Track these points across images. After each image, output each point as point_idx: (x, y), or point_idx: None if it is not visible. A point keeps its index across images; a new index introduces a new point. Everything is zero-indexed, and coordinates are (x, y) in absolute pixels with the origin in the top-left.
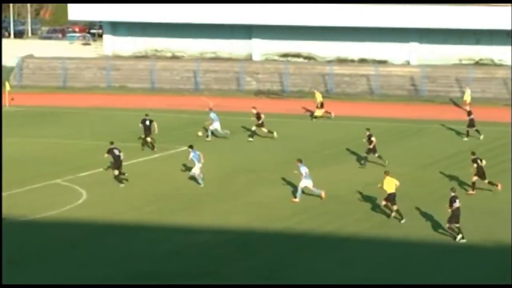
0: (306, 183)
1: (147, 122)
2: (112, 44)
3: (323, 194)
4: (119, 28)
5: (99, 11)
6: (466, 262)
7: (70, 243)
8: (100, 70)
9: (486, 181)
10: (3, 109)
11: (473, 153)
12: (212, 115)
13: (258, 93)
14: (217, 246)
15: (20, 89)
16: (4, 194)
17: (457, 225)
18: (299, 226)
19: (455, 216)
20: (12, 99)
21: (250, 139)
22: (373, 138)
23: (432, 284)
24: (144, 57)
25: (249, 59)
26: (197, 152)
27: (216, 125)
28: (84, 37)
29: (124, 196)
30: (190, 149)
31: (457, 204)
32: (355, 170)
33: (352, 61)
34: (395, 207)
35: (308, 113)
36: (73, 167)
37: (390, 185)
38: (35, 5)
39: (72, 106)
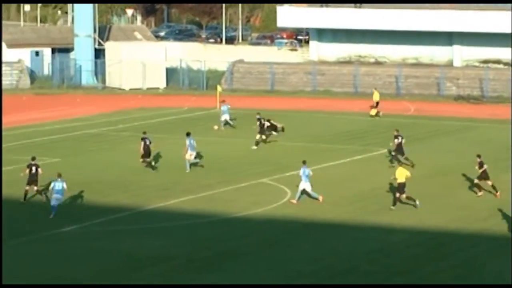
0: (304, 185)
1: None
2: (317, 50)
3: (320, 198)
4: (324, 34)
5: (306, 18)
6: None
7: (273, 240)
8: (306, 75)
9: (489, 182)
10: (215, 111)
11: (479, 156)
12: (224, 108)
13: (458, 98)
14: (413, 246)
15: (230, 92)
16: (214, 191)
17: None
18: (496, 228)
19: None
20: (223, 101)
21: (254, 147)
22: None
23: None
24: (348, 62)
25: (449, 65)
26: (192, 140)
27: (225, 117)
28: (291, 43)
29: (327, 195)
30: (186, 137)
31: None
32: None
33: None
34: (404, 196)
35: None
36: (279, 166)
37: (402, 174)
38: (246, 12)
39: (279, 109)
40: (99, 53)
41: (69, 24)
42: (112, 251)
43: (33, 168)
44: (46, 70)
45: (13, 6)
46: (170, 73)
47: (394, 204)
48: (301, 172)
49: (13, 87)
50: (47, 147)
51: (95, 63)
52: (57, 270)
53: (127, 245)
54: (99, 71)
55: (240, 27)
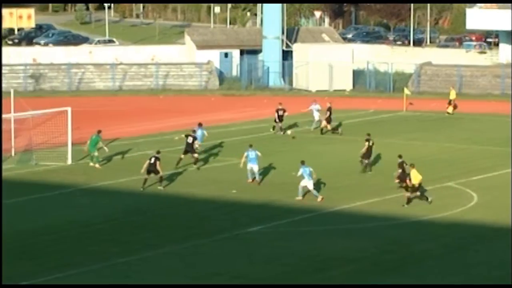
0: (305, 183)
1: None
2: (507, 53)
3: (319, 198)
4: None
5: (495, 20)
6: None
7: (459, 244)
8: (494, 78)
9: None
10: (401, 113)
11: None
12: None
13: None
14: None
15: (418, 95)
16: (400, 194)
17: None
18: None
19: None
20: (411, 103)
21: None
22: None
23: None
24: None
25: None
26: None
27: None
28: (480, 46)
29: None
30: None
31: None
32: None
33: None
34: (414, 194)
35: None
36: (465, 170)
37: (416, 178)
38: (434, 14)
39: (467, 112)
40: (286, 55)
41: (257, 26)
42: (297, 251)
43: (152, 159)
44: (235, 72)
45: (204, 8)
46: (357, 75)
47: (408, 203)
48: (300, 172)
49: (202, 88)
50: (234, 148)
51: (283, 64)
52: (243, 268)
53: (312, 245)
54: (287, 72)
55: (428, 29)
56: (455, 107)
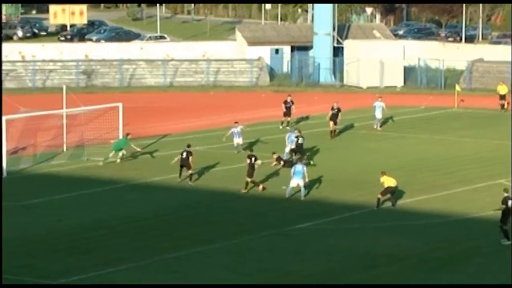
0: (297, 181)
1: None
2: None
3: (302, 197)
4: None
5: None
6: None
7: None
8: None
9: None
10: (452, 110)
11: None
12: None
13: None
14: None
15: (469, 92)
16: (450, 191)
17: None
18: None
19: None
20: (462, 100)
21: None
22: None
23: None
24: None
25: None
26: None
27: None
28: None
29: None
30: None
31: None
32: None
33: None
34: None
35: None
36: None
37: (390, 181)
38: (486, 11)
39: None
40: (337, 51)
41: (308, 22)
42: (347, 248)
43: (184, 154)
44: (285, 68)
45: (255, 4)
46: (408, 71)
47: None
48: (292, 170)
49: (252, 84)
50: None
51: (334, 61)
52: (292, 265)
53: (362, 242)
54: (337, 69)
55: (480, 25)
56: (504, 103)
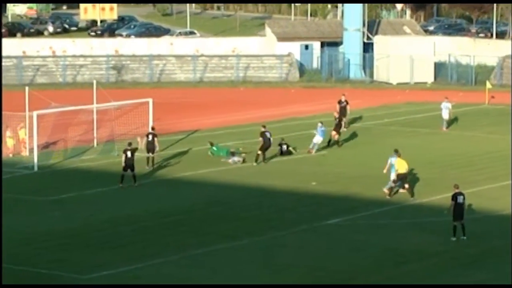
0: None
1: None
2: None
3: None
4: None
5: None
6: None
7: None
8: None
9: None
10: (483, 106)
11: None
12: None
13: None
14: None
15: (500, 88)
16: (480, 188)
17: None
18: None
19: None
20: (493, 97)
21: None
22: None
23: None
24: None
25: None
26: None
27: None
28: None
29: None
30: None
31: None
32: None
33: None
34: (406, 186)
35: None
36: None
37: (402, 165)
38: None
39: None
40: (367, 47)
41: (338, 18)
42: (376, 244)
43: (150, 136)
44: (315, 64)
45: None
46: (438, 67)
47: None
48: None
49: (282, 79)
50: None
51: (364, 57)
52: (321, 261)
53: (391, 238)
54: (367, 65)
55: (511, 21)
56: None
